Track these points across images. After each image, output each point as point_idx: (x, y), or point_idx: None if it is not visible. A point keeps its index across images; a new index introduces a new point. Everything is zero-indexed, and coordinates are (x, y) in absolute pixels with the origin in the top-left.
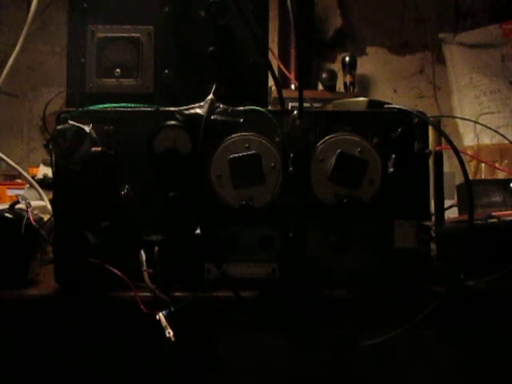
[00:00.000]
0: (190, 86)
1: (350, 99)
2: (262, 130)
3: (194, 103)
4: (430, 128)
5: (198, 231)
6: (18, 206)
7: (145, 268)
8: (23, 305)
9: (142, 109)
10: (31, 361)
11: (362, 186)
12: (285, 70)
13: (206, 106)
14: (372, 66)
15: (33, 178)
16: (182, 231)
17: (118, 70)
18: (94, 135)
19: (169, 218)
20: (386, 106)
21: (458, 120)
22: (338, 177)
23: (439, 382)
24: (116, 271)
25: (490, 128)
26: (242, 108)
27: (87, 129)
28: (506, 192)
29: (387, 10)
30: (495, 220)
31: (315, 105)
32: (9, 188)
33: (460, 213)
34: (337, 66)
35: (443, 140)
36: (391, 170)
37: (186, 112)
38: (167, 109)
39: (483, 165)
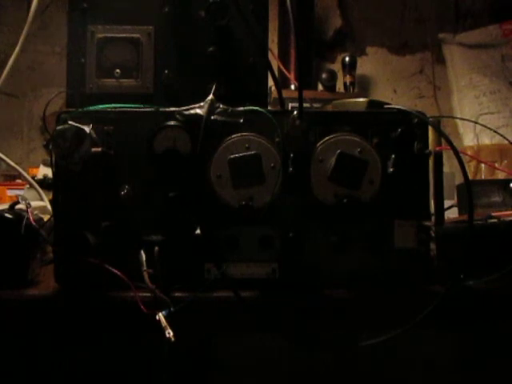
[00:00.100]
0: (190, 86)
1: (350, 99)
2: (262, 130)
3: (194, 103)
4: (430, 128)
5: (198, 231)
6: (17, 207)
7: (145, 268)
8: (23, 305)
9: (142, 109)
10: (31, 361)
11: (362, 186)
12: (285, 70)
13: (206, 106)
14: (372, 66)
15: (33, 178)
16: (182, 231)
17: (117, 70)
18: (94, 135)
19: (169, 218)
20: (385, 106)
21: (457, 120)
22: (338, 177)
23: (439, 382)
24: (116, 271)
25: (489, 128)
26: (241, 108)
27: (87, 129)
28: (506, 192)
29: (387, 10)
30: (495, 220)
31: (315, 105)
32: (9, 188)
33: (460, 213)
34: (337, 67)
35: (443, 140)
36: (391, 170)
37: (186, 112)
38: (167, 109)
39: (483, 165)
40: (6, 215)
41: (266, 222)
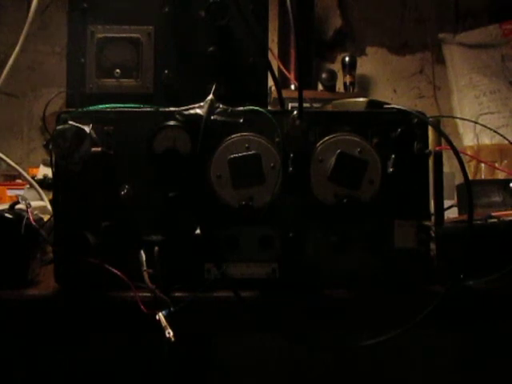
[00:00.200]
0: (190, 86)
1: (350, 99)
2: (262, 130)
3: (194, 103)
4: (430, 128)
5: (198, 231)
6: (17, 207)
7: (145, 268)
8: (23, 305)
9: (142, 109)
10: (31, 361)
11: (362, 186)
12: (284, 70)
13: (206, 106)
14: (372, 66)
15: (33, 178)
16: (182, 231)
17: (117, 70)
18: (94, 135)
19: (169, 218)
20: (385, 106)
21: (457, 120)
22: (338, 177)
23: (439, 382)
24: (116, 271)
25: (489, 128)
26: (241, 108)
27: (87, 129)
28: (506, 192)
29: (387, 10)
30: (495, 220)
31: (315, 105)
32: (9, 188)
33: (460, 213)
34: (337, 66)
35: (443, 140)
36: (391, 170)
37: (186, 112)
38: (167, 109)
39: (483, 165)
40: (6, 215)
41: (266, 221)
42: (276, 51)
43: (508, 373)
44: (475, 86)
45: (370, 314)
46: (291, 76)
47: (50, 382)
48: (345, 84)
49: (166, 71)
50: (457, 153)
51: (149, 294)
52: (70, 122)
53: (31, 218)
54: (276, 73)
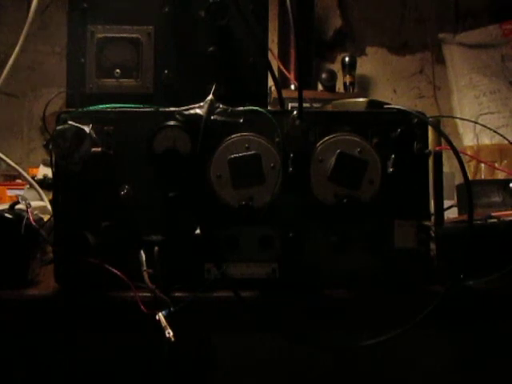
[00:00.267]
0: (190, 86)
1: (350, 99)
2: (262, 130)
3: (194, 103)
4: (430, 128)
5: (198, 231)
6: (17, 207)
7: (145, 268)
8: (23, 305)
9: (142, 109)
10: (31, 361)
11: (362, 186)
12: (284, 70)
13: (206, 106)
14: (372, 67)
15: (33, 178)
16: (182, 231)
17: (117, 70)
18: (94, 135)
19: (169, 218)
20: (385, 106)
21: (457, 120)
22: (338, 177)
23: (439, 381)
24: (116, 271)
25: (489, 128)
26: (241, 108)
27: (87, 129)
28: (506, 192)
29: (387, 10)
30: (495, 220)
31: (315, 105)
32: (9, 188)
33: (460, 213)
34: (336, 67)
35: (443, 140)
36: (391, 170)
37: (186, 112)
38: (167, 109)
39: (483, 165)
40: (6, 215)
41: (266, 222)
42: (276, 51)
43: (508, 373)
44: (475, 86)
45: (370, 314)
46: (291, 76)
47: (50, 382)
48: (345, 84)
49: (166, 71)
50: (457, 153)
51: (149, 294)
52: (70, 122)
53: (31, 218)
54: (276, 73)
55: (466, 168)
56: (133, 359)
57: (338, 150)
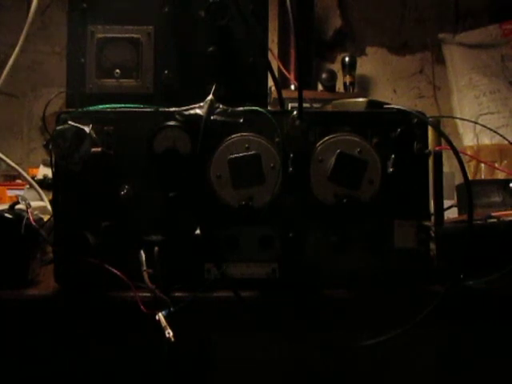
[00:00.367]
0: (190, 86)
1: (350, 99)
2: (262, 130)
3: (194, 103)
4: (430, 128)
5: (198, 231)
6: (17, 207)
7: (145, 268)
8: (23, 305)
9: (142, 109)
10: (31, 361)
11: (362, 186)
12: (284, 71)
13: (206, 106)
14: (372, 67)
15: (33, 178)
16: (182, 231)
17: (117, 70)
18: (94, 135)
19: (169, 217)
20: (385, 106)
21: (457, 120)
22: (338, 177)
23: (439, 381)
24: (116, 271)
25: (489, 128)
26: (241, 108)
27: (87, 129)
28: (506, 192)
29: (387, 10)
30: (495, 220)
31: (315, 105)
32: (9, 188)
33: (459, 213)
34: (336, 67)
35: (443, 140)
36: (391, 170)
37: (186, 112)
38: (167, 109)
39: (483, 165)
40: (6, 215)
41: (266, 222)
42: (276, 51)
43: (508, 373)
44: (475, 86)
45: (370, 314)
46: (291, 76)
47: (49, 382)
48: (345, 84)
49: (166, 71)
50: (456, 153)
51: (149, 294)
52: (70, 122)
53: (31, 218)
54: (276, 73)
55: (466, 168)
56: (133, 359)
57: (338, 150)
